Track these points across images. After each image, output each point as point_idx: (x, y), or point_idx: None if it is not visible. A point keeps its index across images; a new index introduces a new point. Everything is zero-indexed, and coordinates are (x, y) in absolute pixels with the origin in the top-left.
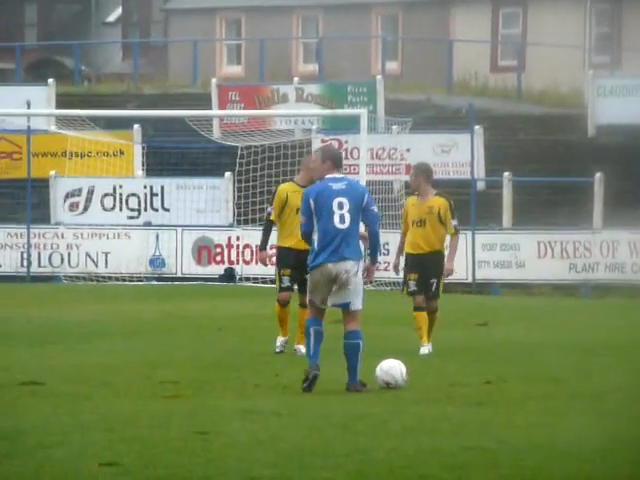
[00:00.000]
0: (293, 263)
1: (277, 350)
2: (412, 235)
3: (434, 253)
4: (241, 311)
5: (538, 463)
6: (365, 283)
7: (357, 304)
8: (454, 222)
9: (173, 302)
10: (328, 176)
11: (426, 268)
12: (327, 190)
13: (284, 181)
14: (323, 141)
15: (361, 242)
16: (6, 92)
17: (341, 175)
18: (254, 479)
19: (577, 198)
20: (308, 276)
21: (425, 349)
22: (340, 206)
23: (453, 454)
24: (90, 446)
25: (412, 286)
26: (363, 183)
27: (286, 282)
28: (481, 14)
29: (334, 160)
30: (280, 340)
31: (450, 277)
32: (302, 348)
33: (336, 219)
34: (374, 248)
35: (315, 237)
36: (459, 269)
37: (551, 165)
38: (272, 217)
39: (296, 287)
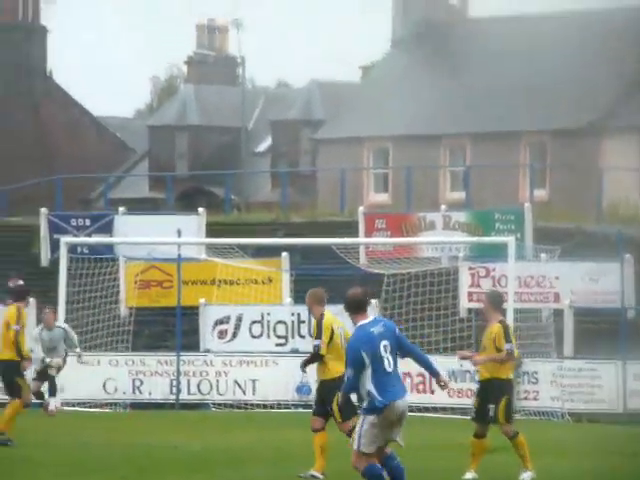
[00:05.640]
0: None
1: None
2: None
3: (492, 380)
4: None
5: None
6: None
7: None
8: (507, 346)
9: None
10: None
11: (485, 394)
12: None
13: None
14: (470, 269)
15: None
16: (158, 221)
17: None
18: None
19: None
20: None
21: (469, 475)
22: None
23: None
24: None
25: (473, 412)
26: (511, 311)
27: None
28: (630, 142)
29: None
30: (313, 472)
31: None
32: (319, 474)
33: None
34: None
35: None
36: (610, 399)
37: None
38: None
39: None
